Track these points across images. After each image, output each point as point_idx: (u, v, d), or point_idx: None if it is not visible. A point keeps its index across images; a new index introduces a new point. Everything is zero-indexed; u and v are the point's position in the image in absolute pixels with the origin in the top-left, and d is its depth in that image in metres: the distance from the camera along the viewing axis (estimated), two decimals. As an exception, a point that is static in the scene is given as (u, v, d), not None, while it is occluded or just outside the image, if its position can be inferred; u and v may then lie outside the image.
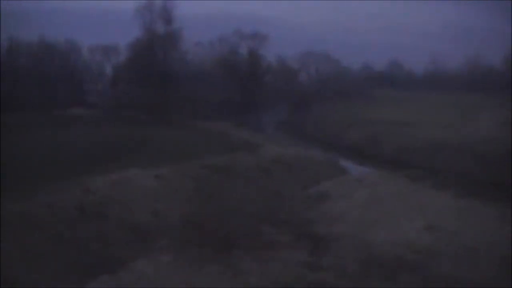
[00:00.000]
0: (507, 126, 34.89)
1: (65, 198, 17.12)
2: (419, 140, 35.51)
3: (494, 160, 28.12)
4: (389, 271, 13.21)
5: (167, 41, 46.27)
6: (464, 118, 41.64)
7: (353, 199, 21.42)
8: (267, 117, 54.82)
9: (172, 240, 15.47)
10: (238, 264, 13.51)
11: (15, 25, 56.79)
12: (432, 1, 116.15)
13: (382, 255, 14.42)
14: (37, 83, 51.80)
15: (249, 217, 17.83)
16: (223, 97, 51.09)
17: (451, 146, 32.97)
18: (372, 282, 12.96)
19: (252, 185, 23.05)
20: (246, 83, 54.28)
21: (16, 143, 26.41)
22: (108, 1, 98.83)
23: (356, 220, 18.32)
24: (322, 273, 13.41)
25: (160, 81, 43.94)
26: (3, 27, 49.94)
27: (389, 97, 57.90)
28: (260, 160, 27.27)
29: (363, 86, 63.52)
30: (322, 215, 19.09)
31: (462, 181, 24.56)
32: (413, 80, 74.37)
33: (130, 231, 15.92)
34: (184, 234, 15.93)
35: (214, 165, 24.15)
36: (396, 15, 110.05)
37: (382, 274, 13.06)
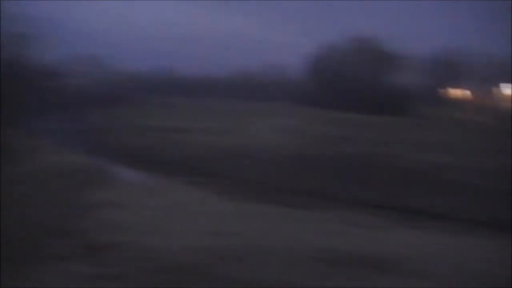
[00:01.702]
0: (284, 132, 36.88)
1: None
2: (197, 147, 35.99)
3: (272, 166, 29.40)
4: (176, 277, 12.76)
5: None
6: (241, 125, 43.08)
7: (135, 207, 20.68)
8: (44, 123, 51.46)
9: None
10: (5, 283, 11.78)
11: None
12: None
13: (168, 262, 13.87)
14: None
15: (23, 228, 15.99)
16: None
17: (230, 152, 33.90)
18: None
19: (27, 195, 21.05)
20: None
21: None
22: None
23: (139, 228, 17.51)
24: (104, 284, 12.35)
25: None
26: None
27: (166, 103, 58.22)
28: (35, 168, 25.28)
29: (139, 92, 62.96)
30: (103, 224, 17.93)
31: (243, 186, 25.41)
32: (190, 86, 75.48)
33: None
34: None
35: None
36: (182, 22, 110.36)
37: (168, 280, 12.53)
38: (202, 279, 12.53)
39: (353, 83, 61.00)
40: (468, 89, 71.23)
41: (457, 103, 67.01)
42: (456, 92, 71.13)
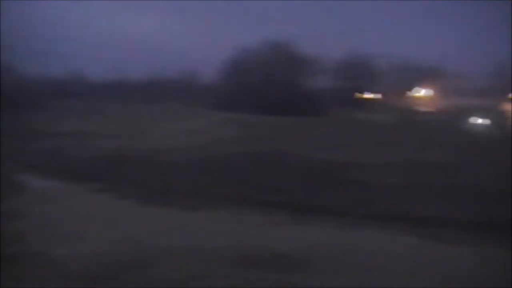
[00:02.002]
0: (194, 135, 36.67)
1: None
2: (102, 152, 35.04)
3: (177, 168, 28.98)
4: (82, 285, 12.54)
5: None
6: (149, 128, 42.84)
7: (38, 216, 19.92)
8: None
9: None
10: None
11: None
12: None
13: (72, 270, 13.51)
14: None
15: None
16: None
17: (136, 156, 33.09)
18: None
19: None
20: None
21: None
22: None
23: (43, 238, 16.94)
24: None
25: None
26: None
27: (70, 108, 56.75)
28: None
29: (41, 97, 60.79)
30: (4, 234, 17.13)
31: (148, 190, 24.81)
32: (99, 90, 73.49)
33: None
34: None
35: None
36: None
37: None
38: (110, 285, 12.30)
39: (267, 86, 61.20)
40: (380, 91, 72.81)
41: (369, 105, 68.40)
42: (368, 95, 72.57)
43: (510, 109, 65.45)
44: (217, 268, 12.80)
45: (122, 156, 33.09)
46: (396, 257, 13.96)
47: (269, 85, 61.36)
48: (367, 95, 71.38)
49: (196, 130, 42.00)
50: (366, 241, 16.11)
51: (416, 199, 21.03)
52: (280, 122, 47.01)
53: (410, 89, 69.91)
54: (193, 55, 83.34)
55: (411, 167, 26.64)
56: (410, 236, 16.50)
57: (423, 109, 65.73)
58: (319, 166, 27.41)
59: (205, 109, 57.64)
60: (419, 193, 21.96)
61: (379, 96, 71.26)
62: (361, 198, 21.33)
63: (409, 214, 19.29)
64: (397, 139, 36.05)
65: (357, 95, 70.79)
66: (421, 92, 69.72)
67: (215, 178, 26.07)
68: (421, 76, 68.91)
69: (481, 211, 19.09)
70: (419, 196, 21.58)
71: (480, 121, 61.62)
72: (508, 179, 22.32)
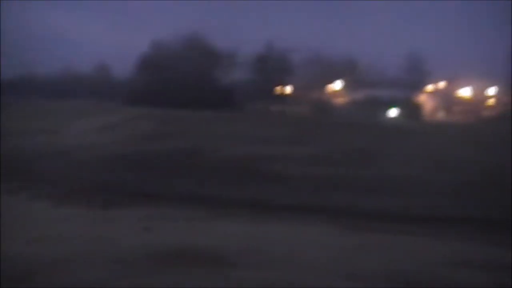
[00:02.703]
0: (108, 131, 36.01)
1: None
2: (9, 150, 33.54)
3: (90, 165, 28.41)
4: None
5: None
6: (62, 125, 41.77)
7: None
8: None
9: None
10: None
11: None
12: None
13: None
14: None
15: None
16: None
17: (46, 154, 32.11)
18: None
19: None
20: None
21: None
22: None
23: None
24: None
25: None
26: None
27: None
28: None
29: None
30: None
31: (60, 188, 24.18)
32: (4, 86, 70.70)
33: None
34: None
35: None
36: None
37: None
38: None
39: (182, 80, 60.82)
40: (296, 84, 73.71)
41: (285, 98, 69.17)
42: (284, 88, 73.34)
43: (424, 101, 68.00)
44: (135, 267, 12.52)
45: (31, 155, 32.11)
46: (315, 249, 14.12)
47: (185, 80, 61.04)
48: (283, 89, 72.18)
49: (109, 126, 41.26)
50: (283, 233, 16.24)
51: (333, 191, 21.41)
52: (196, 116, 46.84)
53: (326, 82, 71.15)
54: (106, 50, 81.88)
55: (327, 159, 27.17)
56: (327, 227, 16.78)
57: (338, 101, 67.17)
58: (235, 160, 27.54)
59: (119, 104, 56.71)
60: (336, 185, 22.38)
61: (295, 89, 72.15)
62: (278, 191, 21.57)
63: (327, 205, 19.66)
64: (313, 132, 36.69)
65: (274, 88, 71.48)
66: (337, 85, 71.17)
67: (128, 174, 25.72)
68: (337, 69, 70.34)
69: (397, 201, 19.67)
70: (335, 187, 21.99)
71: (395, 113, 63.67)
72: (420, 170, 23.18)
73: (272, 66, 70.99)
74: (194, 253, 13.42)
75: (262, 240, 15.17)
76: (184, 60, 64.73)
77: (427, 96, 69.66)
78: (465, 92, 71.50)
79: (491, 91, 70.58)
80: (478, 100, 70.51)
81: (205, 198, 21.17)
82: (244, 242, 14.84)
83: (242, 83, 67.50)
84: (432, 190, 21.10)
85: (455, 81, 71.59)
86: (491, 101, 70.18)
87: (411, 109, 64.50)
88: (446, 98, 69.87)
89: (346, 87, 70.47)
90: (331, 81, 70.98)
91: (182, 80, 60.97)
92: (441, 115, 66.50)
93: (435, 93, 70.87)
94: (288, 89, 72.07)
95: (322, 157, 27.81)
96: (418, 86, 70.58)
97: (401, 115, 63.38)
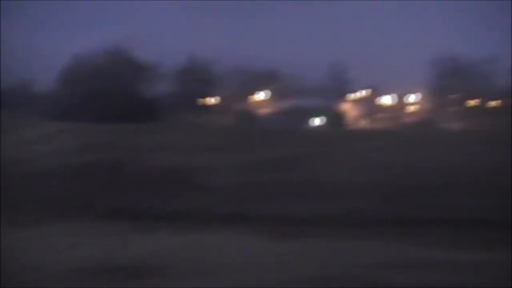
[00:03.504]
0: (26, 145, 35.10)
1: None
2: None
3: (16, 182, 27.58)
4: None
5: None
6: None
7: None
8: None
9: None
10: None
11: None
12: None
13: None
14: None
15: None
16: None
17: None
18: None
19: None
20: None
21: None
22: None
23: None
24: None
25: None
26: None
27: None
28: None
29: None
30: None
31: None
32: None
33: None
34: None
35: None
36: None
37: None
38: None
39: (106, 93, 59.81)
40: (221, 95, 73.77)
41: (210, 109, 69.17)
42: (209, 99, 73.29)
43: (348, 109, 69.48)
44: (60, 282, 12.30)
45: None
46: (245, 257, 14.19)
47: (108, 92, 60.06)
48: (208, 100, 72.10)
49: (29, 141, 40.11)
50: (213, 243, 16.26)
51: (262, 199, 21.53)
52: (120, 129, 46.12)
53: (250, 92, 71.57)
54: (29, 63, 79.44)
55: (255, 168, 27.28)
56: (251, 235, 16.89)
57: (263, 111, 67.72)
58: (162, 172, 27.32)
59: (42, 118, 55.14)
60: (265, 192, 22.51)
61: (220, 100, 72.21)
62: (204, 201, 21.54)
63: (250, 214, 19.76)
64: (240, 141, 36.79)
65: (198, 99, 71.29)
66: (261, 95, 71.70)
67: (53, 190, 25.12)
68: (261, 79, 70.91)
69: (325, 207, 19.96)
70: (264, 195, 22.11)
71: (319, 121, 64.72)
72: (346, 174, 23.65)
73: (196, 77, 70.87)
74: (120, 266, 13.33)
75: (192, 250, 15.14)
76: (107, 72, 63.77)
77: (351, 104, 71.22)
78: (387, 99, 73.59)
79: (413, 98, 72.95)
80: (401, 107, 72.72)
81: (132, 211, 20.94)
82: (173, 252, 14.78)
83: (166, 95, 67.01)
84: (358, 194, 21.58)
85: (378, 89, 73.58)
86: (413, 108, 72.49)
87: (335, 117, 65.78)
88: (370, 106, 71.68)
89: (271, 97, 71.14)
90: (256, 91, 71.53)
91: (105, 93, 59.98)
92: (365, 123, 68.13)
93: (359, 101, 72.54)
94: (213, 100, 72.05)
95: (250, 166, 27.98)
96: (342, 94, 72.10)
97: (325, 123, 64.53)
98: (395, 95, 73.06)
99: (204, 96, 71.81)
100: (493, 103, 70.71)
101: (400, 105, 72.78)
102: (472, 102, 70.88)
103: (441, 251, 14.00)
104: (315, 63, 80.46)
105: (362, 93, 73.67)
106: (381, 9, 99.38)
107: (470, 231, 16.42)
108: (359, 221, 18.45)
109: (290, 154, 31.18)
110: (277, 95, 70.14)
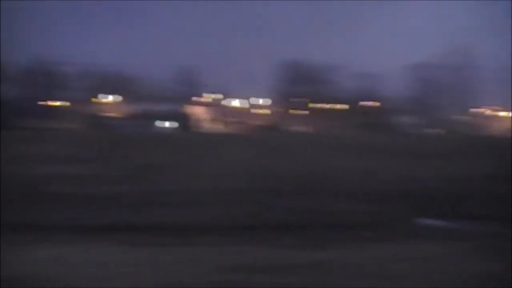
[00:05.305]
0: None
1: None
2: None
3: None
4: None
5: None
6: None
7: None
8: None
9: None
10: None
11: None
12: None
13: None
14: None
15: None
16: None
17: None
18: None
19: None
20: None
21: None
22: None
23: None
24: None
25: None
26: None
27: None
28: None
29: None
30: None
31: None
32: None
33: None
34: None
35: None
36: None
37: None
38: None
39: None
40: (68, 98, 71.49)
41: (56, 112, 66.88)
42: (55, 103, 70.77)
43: (195, 112, 70.03)
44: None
45: None
46: (92, 268, 13.81)
47: None
48: (55, 104, 69.65)
49: None
50: (57, 255, 15.65)
51: (108, 208, 20.93)
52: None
53: (97, 95, 70.06)
54: None
55: (102, 176, 26.46)
56: (103, 245, 16.47)
57: (110, 115, 66.58)
58: (8, 183, 25.85)
59: None
60: (111, 201, 21.90)
61: (67, 104, 70.04)
62: (69, 212, 20.65)
63: (103, 223, 19.24)
64: (86, 148, 35.78)
65: (43, 104, 68.66)
66: (109, 98, 70.38)
67: None
68: (110, 83, 69.63)
69: (178, 214, 19.82)
70: (111, 204, 21.51)
71: (167, 124, 64.65)
72: (195, 181, 23.63)
73: (42, 80, 68.25)
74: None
75: (48, 263, 14.58)
76: None
77: (201, 108, 71.94)
78: (236, 103, 75.16)
79: (261, 102, 75.09)
80: (249, 111, 74.58)
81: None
82: (26, 265, 14.17)
83: (7, 99, 63.81)
84: (211, 199, 21.68)
85: (227, 93, 75.01)
86: (262, 112, 74.61)
87: (185, 122, 66.10)
88: (219, 110, 72.81)
89: (121, 102, 70.12)
90: (105, 95, 70.16)
91: None
92: (216, 126, 69.05)
93: (209, 105, 73.46)
94: (60, 104, 69.72)
95: (97, 174, 27.20)
96: (192, 98, 72.66)
97: (176, 127, 64.65)
98: (244, 99, 74.87)
99: (51, 99, 69.27)
100: (337, 107, 74.81)
101: (249, 109, 74.63)
102: (318, 106, 74.48)
103: (297, 252, 14.50)
104: (165, 67, 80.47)
105: (212, 97, 74.72)
106: (230, 14, 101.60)
107: (325, 232, 17.12)
108: (212, 227, 18.60)
109: (142, 161, 30.75)
110: (129, 99, 69.27)
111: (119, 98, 70.86)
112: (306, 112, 74.30)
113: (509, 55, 76.93)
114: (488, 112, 74.59)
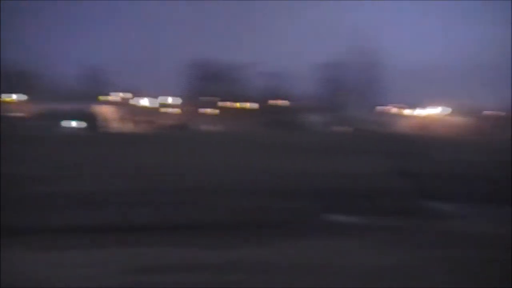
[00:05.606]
0: None
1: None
2: None
3: None
4: None
5: None
6: None
7: None
8: None
9: None
10: None
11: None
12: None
13: None
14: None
15: None
16: None
17: None
18: None
19: None
20: None
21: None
22: None
23: None
24: None
25: None
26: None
27: None
28: None
29: None
30: None
31: None
32: None
33: None
34: None
35: None
36: None
37: None
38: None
39: None
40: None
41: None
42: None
43: (103, 111, 68.64)
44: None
45: None
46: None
47: None
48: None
49: None
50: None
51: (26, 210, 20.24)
52: None
53: (2, 94, 67.66)
54: None
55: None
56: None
57: (14, 114, 64.14)
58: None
59: None
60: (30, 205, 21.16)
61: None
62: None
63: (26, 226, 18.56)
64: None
65: None
66: (13, 97, 68.10)
67: None
68: (12, 81, 67.26)
69: (92, 215, 19.32)
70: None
71: (74, 124, 62.98)
72: (108, 182, 23.11)
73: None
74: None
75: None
76: None
77: (110, 107, 70.72)
78: (145, 102, 74.48)
79: (172, 101, 74.75)
80: (159, 110, 74.04)
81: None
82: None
83: None
84: (113, 200, 21.22)
85: (138, 92, 74.14)
86: (173, 111, 74.24)
87: (93, 121, 64.68)
88: (129, 109, 71.86)
89: (26, 101, 67.96)
90: (8, 94, 67.79)
91: None
92: (124, 126, 67.95)
93: (118, 104, 72.38)
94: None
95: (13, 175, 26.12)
96: (101, 97, 71.40)
97: (83, 127, 63.12)
98: (153, 98, 74.19)
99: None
100: (247, 106, 75.31)
101: (159, 108, 74.02)
102: (228, 105, 74.74)
103: (208, 252, 14.42)
104: (72, 65, 78.54)
105: (120, 95, 73.57)
106: (139, 12, 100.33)
107: (236, 232, 17.12)
108: (132, 228, 18.25)
109: (45, 162, 29.74)
110: (32, 98, 67.13)
111: (23, 97, 68.56)
112: (216, 111, 74.44)
113: (415, 54, 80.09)
114: (394, 110, 76.97)
